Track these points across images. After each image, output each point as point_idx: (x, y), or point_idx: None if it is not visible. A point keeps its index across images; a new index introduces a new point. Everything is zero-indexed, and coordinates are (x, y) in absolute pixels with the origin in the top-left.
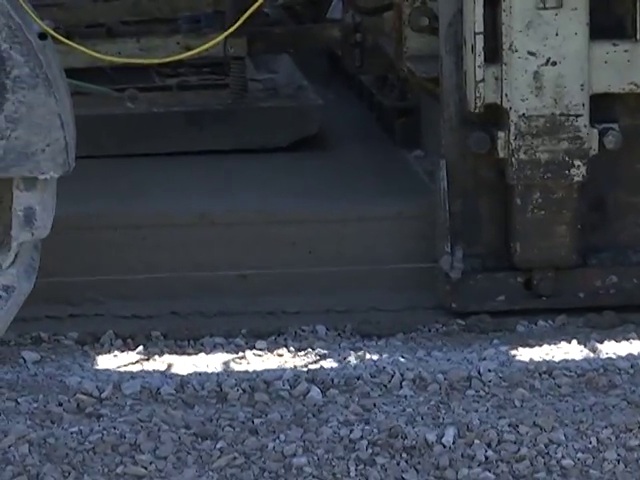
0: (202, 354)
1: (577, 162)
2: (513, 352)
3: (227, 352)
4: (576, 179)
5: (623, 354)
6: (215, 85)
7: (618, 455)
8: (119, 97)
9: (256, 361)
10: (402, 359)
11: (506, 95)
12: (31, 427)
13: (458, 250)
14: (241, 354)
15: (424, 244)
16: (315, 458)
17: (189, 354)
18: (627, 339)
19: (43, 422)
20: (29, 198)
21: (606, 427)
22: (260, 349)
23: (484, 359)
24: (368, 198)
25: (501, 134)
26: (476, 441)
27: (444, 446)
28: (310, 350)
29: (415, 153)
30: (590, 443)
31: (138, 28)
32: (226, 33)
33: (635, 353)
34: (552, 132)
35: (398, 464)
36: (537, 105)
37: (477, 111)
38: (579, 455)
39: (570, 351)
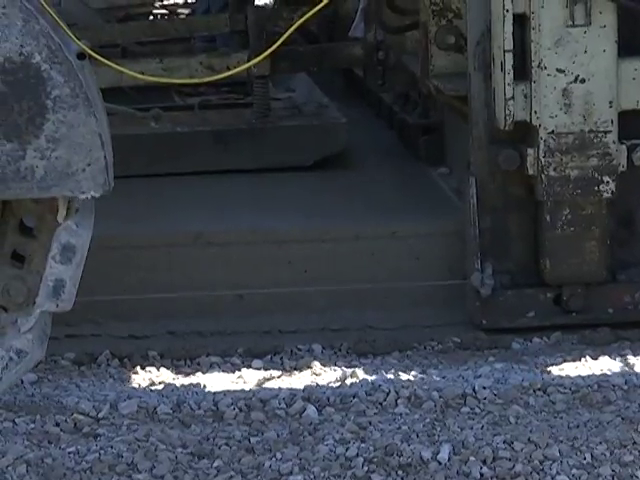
0: (199, 373)
1: (606, 178)
2: (508, 369)
3: (223, 371)
4: (605, 195)
5: (618, 370)
6: (238, 104)
7: (613, 471)
8: (143, 117)
9: (252, 380)
10: (397, 377)
11: (535, 112)
12: (29, 447)
13: (488, 267)
14: (237, 373)
15: (455, 261)
16: (311, 476)
17: (186, 374)
18: (621, 355)
19: (41, 442)
20: (62, 271)
21: (601, 443)
22: (256, 368)
23: (479, 376)
24: (400, 215)
25: (530, 151)
26: (471, 458)
27: (439, 463)
28: (306, 369)
29: (440, 170)
30: (585, 459)
31: (153, 48)
32: (269, 51)
33: (629, 370)
34: (581, 149)
35: None
36: (566, 122)
37: (507, 128)
38: (574, 471)
39: (565, 368)
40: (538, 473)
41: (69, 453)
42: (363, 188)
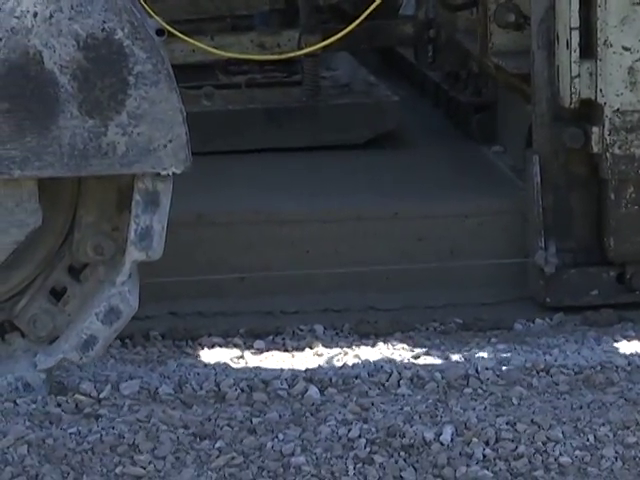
0: (200, 354)
1: None
2: (510, 350)
3: (225, 352)
4: None
5: (620, 352)
6: (286, 82)
7: (616, 452)
8: (195, 95)
9: (254, 361)
10: (400, 358)
11: (600, 90)
12: (30, 428)
13: (551, 245)
14: (239, 354)
15: (519, 239)
16: (313, 457)
17: (187, 354)
18: (625, 337)
19: (42, 423)
20: (100, 330)
21: (604, 424)
22: (258, 349)
23: (482, 357)
24: (462, 194)
25: (595, 129)
26: (474, 439)
27: (442, 444)
28: (308, 350)
29: (494, 148)
30: (588, 440)
31: (188, 27)
32: (348, 29)
33: (632, 351)
34: None
35: (396, 462)
36: (632, 100)
37: (572, 106)
38: (577, 452)
39: (567, 349)
40: (541, 454)
41: (70, 434)
42: (420, 167)
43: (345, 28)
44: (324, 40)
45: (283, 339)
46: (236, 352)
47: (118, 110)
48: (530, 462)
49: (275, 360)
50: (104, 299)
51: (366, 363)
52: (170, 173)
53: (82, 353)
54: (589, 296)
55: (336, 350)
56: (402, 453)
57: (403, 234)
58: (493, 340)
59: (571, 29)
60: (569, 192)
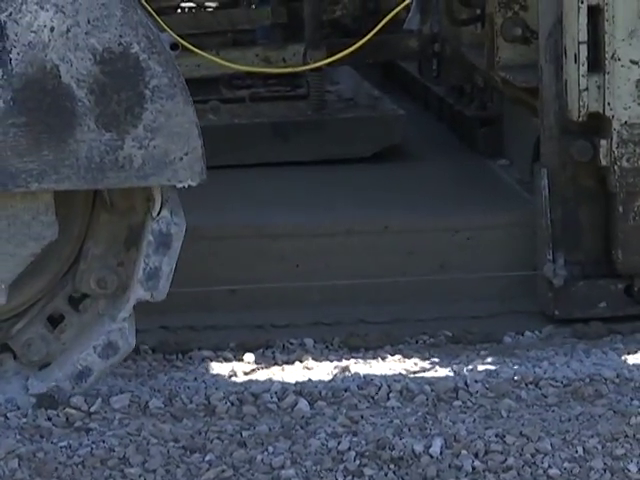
0: (191, 367)
1: None
2: (500, 363)
3: (215, 365)
4: None
5: (609, 364)
6: (290, 96)
7: (604, 464)
8: (201, 109)
9: (244, 374)
10: (389, 371)
11: (609, 104)
12: (20, 441)
13: (560, 258)
14: (229, 367)
15: (526, 252)
16: (303, 470)
17: (178, 368)
18: (614, 349)
19: (32, 436)
20: (95, 363)
21: (592, 436)
22: (248, 362)
23: (471, 370)
24: (471, 207)
25: (603, 142)
26: (463, 452)
27: (431, 457)
28: (298, 363)
29: (500, 162)
30: (577, 452)
31: (190, 42)
32: (365, 39)
33: (621, 363)
34: None
35: (386, 475)
36: (639, 113)
37: (580, 120)
38: (566, 465)
39: (556, 361)
40: (530, 466)
41: (61, 447)
42: (426, 180)
43: (348, 42)
44: (329, 54)
45: (273, 352)
46: (226, 366)
47: (134, 123)
48: (519, 474)
49: (265, 373)
50: (103, 333)
51: (356, 376)
52: (186, 185)
53: (75, 383)
54: (597, 308)
55: (326, 363)
56: (392, 466)
57: (392, 248)
58: (482, 353)
59: (579, 43)
60: (577, 205)
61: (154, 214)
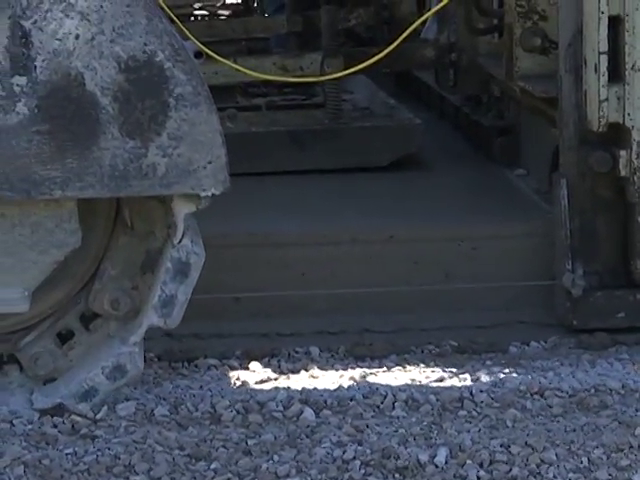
0: (196, 376)
1: None
2: (505, 373)
3: (221, 374)
4: None
5: (615, 375)
6: (306, 105)
7: (609, 475)
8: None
9: (250, 382)
10: (395, 380)
11: (628, 114)
12: (26, 448)
13: (578, 267)
14: (235, 375)
15: (547, 262)
16: (308, 479)
17: (183, 376)
18: (619, 360)
19: (38, 443)
20: (103, 384)
21: (597, 447)
22: (254, 371)
23: (476, 380)
24: (490, 217)
25: (623, 153)
26: (468, 461)
27: (436, 466)
28: (304, 372)
29: (517, 172)
30: (581, 463)
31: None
32: (395, 43)
33: (626, 374)
34: None
35: None
36: None
37: (600, 130)
38: (570, 475)
39: (562, 372)
40: (535, 477)
41: (67, 454)
42: (442, 190)
43: (364, 51)
44: (346, 63)
45: (279, 361)
46: (232, 374)
47: (158, 132)
48: None
49: (270, 382)
50: (112, 355)
51: (361, 385)
52: (209, 194)
53: (80, 401)
54: (616, 318)
55: (331, 372)
56: (397, 475)
57: (398, 257)
58: (488, 363)
59: (600, 53)
60: (596, 215)
61: (175, 241)
